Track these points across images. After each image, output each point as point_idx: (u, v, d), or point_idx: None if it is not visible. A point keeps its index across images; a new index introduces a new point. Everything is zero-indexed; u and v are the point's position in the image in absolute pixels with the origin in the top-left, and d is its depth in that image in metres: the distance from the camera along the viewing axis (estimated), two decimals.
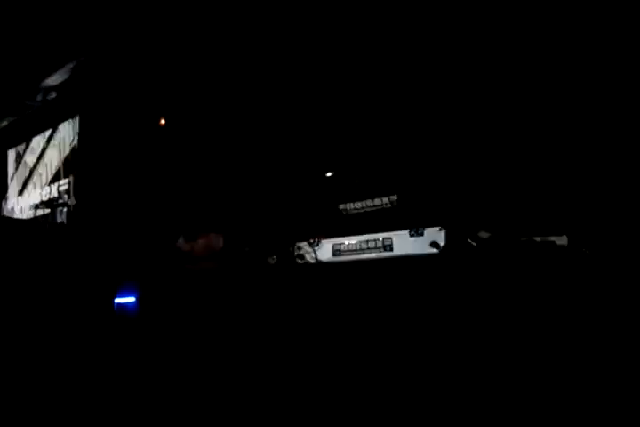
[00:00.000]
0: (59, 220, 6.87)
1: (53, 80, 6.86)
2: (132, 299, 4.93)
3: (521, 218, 4.08)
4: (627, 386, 2.95)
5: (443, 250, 4.33)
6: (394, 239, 4.83)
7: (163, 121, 5.90)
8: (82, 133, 6.84)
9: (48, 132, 7.70)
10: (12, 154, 8.64)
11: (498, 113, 4.16)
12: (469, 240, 4.13)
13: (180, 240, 5.06)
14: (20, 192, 8.26)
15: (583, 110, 3.70)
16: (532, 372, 3.18)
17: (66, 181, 7.04)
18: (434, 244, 4.39)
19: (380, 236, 4.91)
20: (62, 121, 7.31)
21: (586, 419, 2.83)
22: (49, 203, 7.28)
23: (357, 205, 5.13)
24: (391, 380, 3.67)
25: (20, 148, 8.40)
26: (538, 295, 3.53)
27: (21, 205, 8.15)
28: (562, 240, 3.87)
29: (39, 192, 7.71)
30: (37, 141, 7.98)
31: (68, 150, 7.12)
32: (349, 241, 5.07)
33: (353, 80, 4.77)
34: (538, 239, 3.94)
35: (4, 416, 3.53)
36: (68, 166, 7.07)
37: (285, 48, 4.88)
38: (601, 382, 3.01)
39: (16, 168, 8.49)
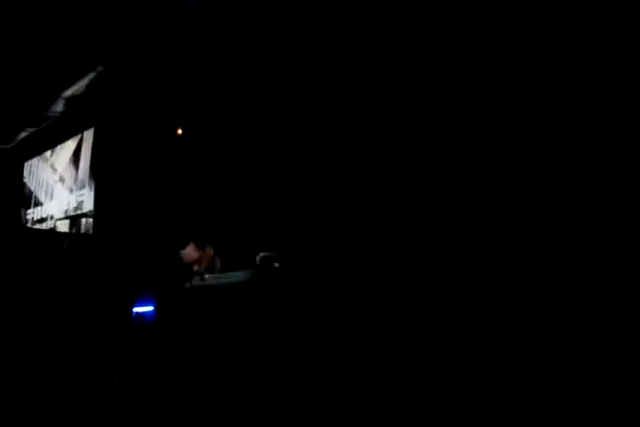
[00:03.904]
0: (77, 230, 6.93)
1: (72, 91, 6.94)
2: (150, 308, 4.96)
3: None
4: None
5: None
6: None
7: (180, 131, 5.95)
8: (100, 144, 6.91)
9: (66, 143, 7.79)
10: (31, 165, 8.75)
11: None
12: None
13: (190, 248, 5.02)
14: (39, 203, 8.35)
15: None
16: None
17: (84, 191, 7.11)
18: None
19: None
20: (81, 131, 7.40)
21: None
22: (68, 213, 7.35)
23: None
24: None
25: (39, 158, 8.50)
26: None
27: (40, 216, 8.24)
28: None
29: (58, 203, 7.78)
30: (56, 152, 8.08)
31: (86, 161, 7.20)
32: None
33: None
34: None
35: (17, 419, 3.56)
36: (87, 177, 7.14)
37: (297, 59, 4.90)
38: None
39: (35, 179, 8.59)
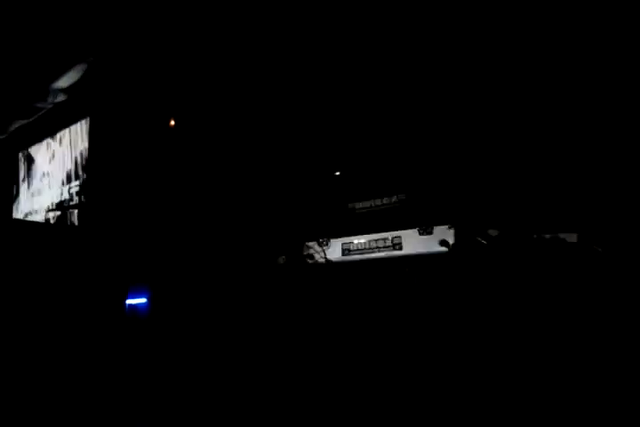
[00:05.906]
0: (70, 222, 6.92)
1: (64, 82, 6.89)
2: (143, 300, 4.97)
3: (530, 215, 4.06)
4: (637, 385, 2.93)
5: (452, 248, 4.31)
6: (403, 238, 4.78)
7: (172, 122, 5.92)
8: (93, 135, 6.88)
9: (59, 134, 7.75)
10: (23, 156, 8.72)
11: (505, 109, 4.15)
12: (479, 238, 4.11)
13: None
14: (32, 194, 8.34)
15: (592, 106, 3.67)
16: (542, 373, 3.17)
17: (77, 182, 7.09)
18: (443, 242, 4.37)
19: (390, 235, 4.88)
20: (73, 123, 7.36)
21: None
22: (60, 205, 7.34)
23: (366, 203, 5.10)
24: (398, 380, 3.66)
25: (31, 150, 8.47)
26: (548, 294, 3.51)
27: (33, 208, 8.23)
28: (572, 238, 3.84)
29: (50, 194, 7.77)
30: (48, 144, 8.04)
31: (78, 152, 7.17)
32: (359, 240, 5.05)
33: (359, 77, 4.77)
34: (547, 237, 3.91)
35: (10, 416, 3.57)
36: (79, 168, 7.12)
37: (291, 47, 4.88)
38: (612, 383, 2.99)
39: (27, 171, 8.57)
